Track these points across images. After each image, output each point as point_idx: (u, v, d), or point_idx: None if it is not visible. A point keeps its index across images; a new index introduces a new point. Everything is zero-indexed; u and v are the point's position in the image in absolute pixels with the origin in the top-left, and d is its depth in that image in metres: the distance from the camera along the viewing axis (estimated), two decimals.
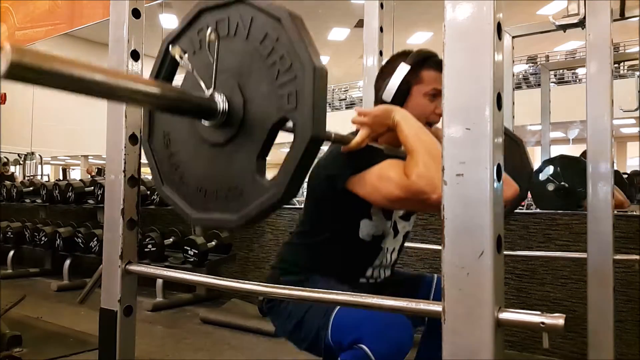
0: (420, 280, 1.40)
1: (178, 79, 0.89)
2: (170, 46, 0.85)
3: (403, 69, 1.23)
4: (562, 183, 2.72)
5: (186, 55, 0.84)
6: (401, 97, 1.23)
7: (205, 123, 0.79)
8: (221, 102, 0.77)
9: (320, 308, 1.13)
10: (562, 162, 2.82)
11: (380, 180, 1.08)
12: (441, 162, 0.97)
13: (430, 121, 1.25)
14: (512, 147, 1.70)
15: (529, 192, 2.83)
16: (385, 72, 1.29)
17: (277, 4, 0.73)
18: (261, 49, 0.75)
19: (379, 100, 1.28)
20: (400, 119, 1.11)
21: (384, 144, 1.20)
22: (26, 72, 0.54)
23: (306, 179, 1.24)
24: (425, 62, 1.24)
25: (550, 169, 2.80)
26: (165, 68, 0.87)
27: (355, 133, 1.15)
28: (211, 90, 0.78)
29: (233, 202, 0.78)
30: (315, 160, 1.14)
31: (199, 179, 0.84)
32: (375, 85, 1.33)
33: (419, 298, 1.26)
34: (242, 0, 0.77)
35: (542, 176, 2.82)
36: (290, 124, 0.73)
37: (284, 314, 1.24)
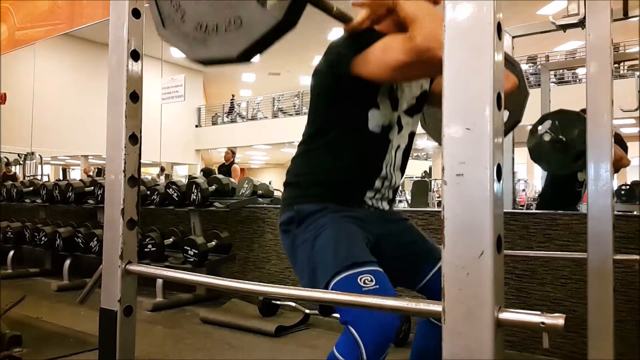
0: (425, 259, 1.35)
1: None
2: None
3: None
4: (560, 137, 2.66)
5: None
6: None
7: None
8: None
9: (327, 261, 1.15)
10: (561, 117, 2.76)
11: (385, 51, 1.10)
12: None
13: None
14: (509, 69, 1.71)
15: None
16: None
17: None
18: None
19: None
20: None
21: (384, 30, 1.21)
22: None
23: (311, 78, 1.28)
24: None
25: (548, 123, 2.74)
26: None
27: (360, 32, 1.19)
28: None
29: (234, 34, 0.77)
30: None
31: (199, 15, 0.83)
32: None
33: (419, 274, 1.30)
34: None
35: (540, 130, 2.77)
36: None
37: (298, 240, 1.25)
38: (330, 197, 1.27)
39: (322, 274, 1.16)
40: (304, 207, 1.26)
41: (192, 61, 0.86)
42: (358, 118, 1.26)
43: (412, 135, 1.38)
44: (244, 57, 0.76)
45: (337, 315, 1.14)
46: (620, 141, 2.91)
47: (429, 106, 1.46)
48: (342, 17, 1.10)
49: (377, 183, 1.31)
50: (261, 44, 0.74)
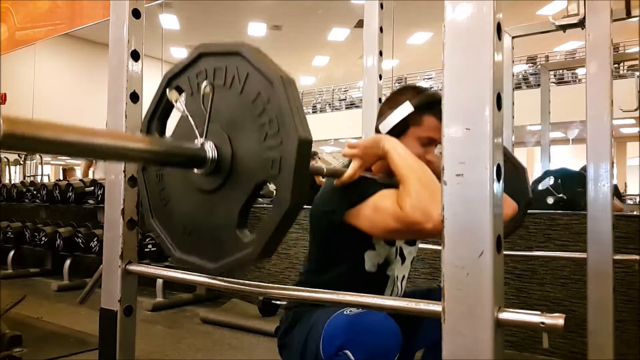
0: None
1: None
2: (167, 89, 0.86)
3: (406, 109, 1.23)
4: (561, 195, 2.72)
5: (184, 94, 0.86)
6: (396, 134, 1.23)
7: (195, 170, 0.81)
8: (211, 150, 0.79)
9: (319, 327, 1.13)
10: (562, 174, 2.83)
11: (376, 212, 1.07)
12: (434, 190, 1.01)
13: None
14: (513, 173, 1.70)
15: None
16: (390, 102, 1.29)
17: (272, 67, 0.74)
18: (253, 108, 0.76)
19: (376, 128, 1.30)
20: (390, 147, 1.11)
21: (377, 173, 1.21)
22: (18, 141, 0.56)
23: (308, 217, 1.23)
24: (431, 108, 1.22)
25: (550, 180, 2.80)
26: (163, 106, 0.90)
27: (347, 165, 1.15)
28: (202, 140, 0.80)
29: (213, 250, 0.81)
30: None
31: (185, 219, 0.86)
32: (380, 109, 1.34)
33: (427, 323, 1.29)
34: (239, 53, 0.78)
35: (541, 186, 2.83)
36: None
37: (290, 345, 1.24)
38: None
39: (316, 333, 1.13)
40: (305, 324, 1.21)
41: (174, 261, 0.88)
42: (354, 260, 1.24)
43: (413, 260, 1.39)
44: (221, 275, 0.82)
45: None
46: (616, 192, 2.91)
47: None
48: (333, 174, 1.11)
49: None
50: (237, 269, 0.79)
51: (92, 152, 0.66)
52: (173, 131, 0.89)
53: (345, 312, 1.11)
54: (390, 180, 1.16)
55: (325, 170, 1.07)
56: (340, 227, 1.15)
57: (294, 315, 1.26)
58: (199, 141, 0.79)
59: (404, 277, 1.35)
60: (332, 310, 1.13)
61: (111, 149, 0.68)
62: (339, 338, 1.06)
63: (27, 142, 0.57)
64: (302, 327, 1.21)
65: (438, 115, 1.20)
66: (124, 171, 1.05)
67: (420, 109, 1.22)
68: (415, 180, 1.03)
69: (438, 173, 1.35)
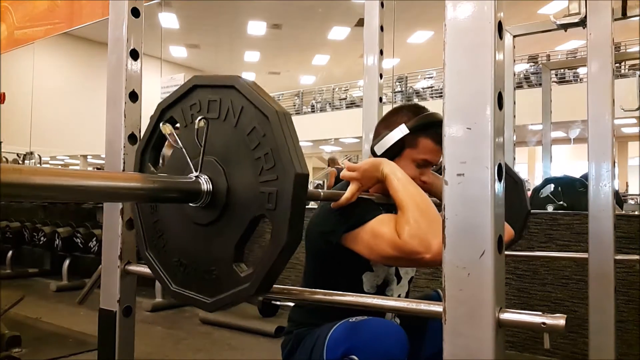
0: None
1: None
2: (161, 123, 0.85)
3: (402, 131, 1.22)
4: (561, 202, 2.74)
5: (178, 126, 0.85)
6: (391, 155, 1.22)
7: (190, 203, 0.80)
8: (205, 183, 0.77)
9: (322, 338, 1.12)
10: (563, 181, 2.86)
11: (374, 238, 1.06)
12: (433, 218, 1.00)
13: None
14: (512, 187, 1.70)
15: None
16: (386, 122, 1.28)
17: (267, 100, 0.73)
18: (248, 141, 0.75)
19: (372, 148, 1.29)
20: (389, 172, 1.10)
21: (374, 193, 1.19)
22: (10, 189, 0.55)
23: (303, 237, 1.24)
24: (427, 130, 1.21)
25: (550, 188, 2.81)
26: (157, 136, 0.88)
27: (345, 186, 1.14)
28: (196, 173, 0.78)
29: (209, 285, 0.80)
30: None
31: (180, 252, 0.84)
32: (376, 128, 1.33)
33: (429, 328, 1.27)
34: (234, 86, 0.77)
35: (541, 194, 2.84)
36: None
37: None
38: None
39: (320, 342, 1.12)
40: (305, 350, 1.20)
41: (171, 295, 0.86)
42: (352, 282, 1.23)
43: (411, 280, 1.38)
44: (217, 310, 0.80)
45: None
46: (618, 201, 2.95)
47: None
48: (331, 197, 1.09)
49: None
50: (233, 304, 0.78)
51: (86, 195, 0.64)
52: (168, 161, 0.87)
53: (350, 320, 1.10)
54: (388, 200, 1.15)
55: (322, 194, 1.06)
56: (337, 249, 1.13)
57: (295, 337, 1.25)
58: (193, 175, 0.78)
59: (400, 295, 1.33)
60: (336, 322, 1.12)
61: (105, 191, 0.66)
62: (344, 343, 1.05)
63: (20, 189, 0.56)
64: (306, 345, 1.19)
65: (434, 137, 1.20)
66: (123, 171, 1.05)
67: (415, 131, 1.21)
68: (414, 207, 1.02)
69: (434, 194, 1.31)
